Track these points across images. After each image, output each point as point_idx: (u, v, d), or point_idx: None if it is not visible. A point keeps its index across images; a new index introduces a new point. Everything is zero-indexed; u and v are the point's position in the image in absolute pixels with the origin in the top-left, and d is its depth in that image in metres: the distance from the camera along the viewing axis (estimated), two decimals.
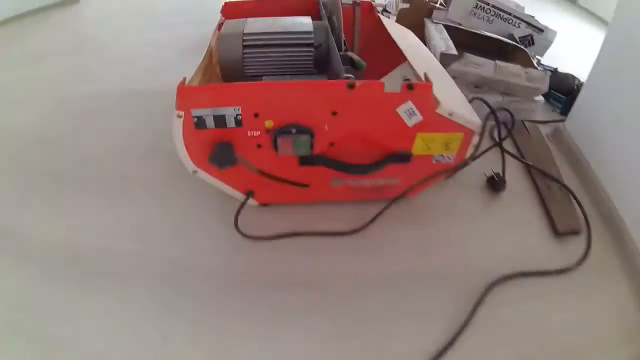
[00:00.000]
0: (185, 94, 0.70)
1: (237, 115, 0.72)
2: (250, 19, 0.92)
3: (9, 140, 1.10)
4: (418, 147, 0.81)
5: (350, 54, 0.81)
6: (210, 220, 0.89)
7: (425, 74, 0.72)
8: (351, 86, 0.69)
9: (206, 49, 0.86)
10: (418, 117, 0.75)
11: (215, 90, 0.70)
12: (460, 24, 1.38)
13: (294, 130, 0.72)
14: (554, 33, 1.42)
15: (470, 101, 0.84)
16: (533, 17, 1.40)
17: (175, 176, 0.94)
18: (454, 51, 1.18)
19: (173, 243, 0.85)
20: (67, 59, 1.41)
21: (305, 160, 0.79)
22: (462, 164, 0.81)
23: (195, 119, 0.72)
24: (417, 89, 0.71)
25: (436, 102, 0.74)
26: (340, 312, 0.74)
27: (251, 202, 0.89)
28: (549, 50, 1.45)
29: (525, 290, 0.79)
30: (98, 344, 0.68)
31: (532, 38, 1.40)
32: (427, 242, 0.88)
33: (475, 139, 0.81)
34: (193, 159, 0.78)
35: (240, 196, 0.86)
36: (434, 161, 0.84)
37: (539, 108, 1.28)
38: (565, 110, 1.31)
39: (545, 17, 1.50)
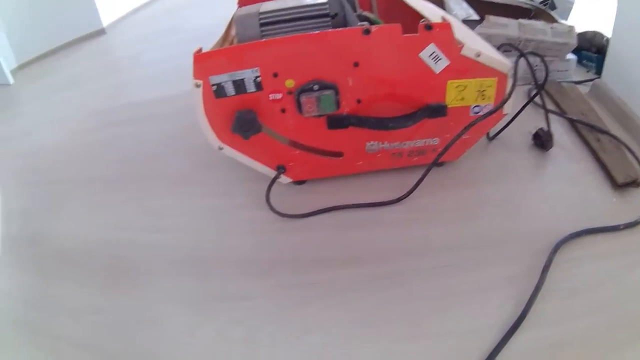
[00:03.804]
0: (201, 60, 0.69)
1: (256, 77, 0.70)
2: (264, 3, 0.92)
3: (42, 156, 1.16)
4: (451, 97, 0.76)
5: (366, 13, 0.79)
6: (242, 202, 0.87)
7: (442, 17, 0.69)
8: (367, 32, 0.66)
9: (221, 34, 0.86)
10: (444, 62, 0.70)
11: (231, 52, 0.68)
12: None
13: (316, 87, 0.69)
14: None
15: (497, 49, 0.79)
16: None
17: (202, 165, 0.96)
18: (476, 16, 1.14)
19: (204, 228, 0.83)
20: (98, 81, 1.55)
21: (333, 122, 0.75)
22: (493, 110, 0.74)
23: (215, 87, 0.70)
24: (437, 29, 0.67)
25: (460, 44, 0.70)
26: (391, 292, 0.67)
27: (284, 179, 0.85)
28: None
29: (596, 248, 0.70)
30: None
31: (552, 1, 1.34)
32: (480, 206, 0.81)
33: (509, 83, 0.75)
34: (217, 134, 0.76)
35: (272, 173, 0.83)
36: (472, 114, 0.79)
37: (572, 66, 1.21)
38: (600, 69, 1.23)
39: None
